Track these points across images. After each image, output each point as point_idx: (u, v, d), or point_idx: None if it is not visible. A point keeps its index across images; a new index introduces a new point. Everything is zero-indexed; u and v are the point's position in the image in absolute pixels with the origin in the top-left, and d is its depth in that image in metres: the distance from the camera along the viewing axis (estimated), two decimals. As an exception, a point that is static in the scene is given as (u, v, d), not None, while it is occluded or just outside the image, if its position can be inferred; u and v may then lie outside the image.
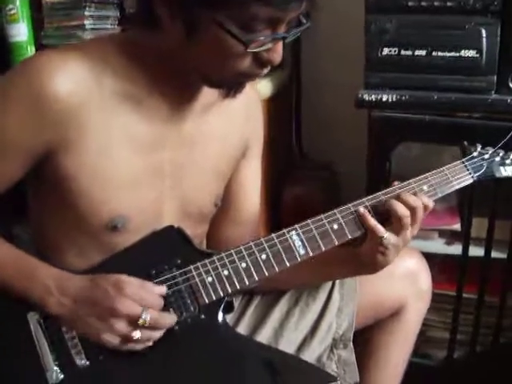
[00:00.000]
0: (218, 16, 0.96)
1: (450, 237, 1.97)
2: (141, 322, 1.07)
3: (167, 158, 1.17)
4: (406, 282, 1.44)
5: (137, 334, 1.08)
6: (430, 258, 1.54)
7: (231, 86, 1.13)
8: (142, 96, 1.11)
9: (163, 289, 1.12)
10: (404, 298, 1.45)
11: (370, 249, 1.22)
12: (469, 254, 1.82)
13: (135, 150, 1.13)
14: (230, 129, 1.27)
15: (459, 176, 1.30)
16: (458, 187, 1.30)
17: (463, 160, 1.32)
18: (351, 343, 1.42)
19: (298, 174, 2.29)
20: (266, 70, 1.07)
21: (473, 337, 1.92)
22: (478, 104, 1.65)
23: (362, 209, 1.20)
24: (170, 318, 1.12)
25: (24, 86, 1.05)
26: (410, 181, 1.25)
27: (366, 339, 1.50)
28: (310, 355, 1.39)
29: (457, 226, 1.94)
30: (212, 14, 0.96)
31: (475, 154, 1.33)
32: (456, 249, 1.90)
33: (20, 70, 1.10)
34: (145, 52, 1.10)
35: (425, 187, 1.25)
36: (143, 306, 1.08)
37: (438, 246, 1.96)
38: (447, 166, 1.29)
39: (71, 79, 1.05)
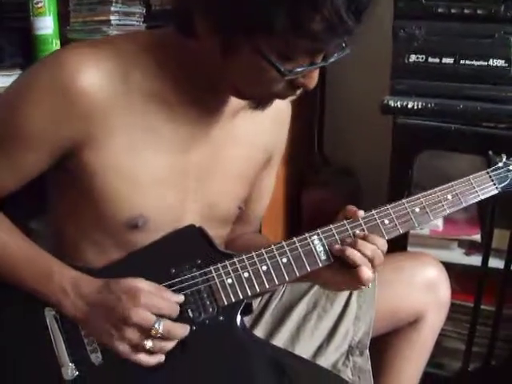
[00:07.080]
0: (259, 43, 0.94)
1: (469, 247, 1.96)
2: (153, 331, 1.06)
3: (193, 160, 1.16)
4: (425, 291, 1.43)
5: (149, 343, 1.07)
6: (448, 267, 1.52)
7: (261, 102, 1.11)
8: (170, 97, 1.10)
9: (181, 297, 1.11)
10: (423, 307, 1.43)
11: None
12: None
13: (161, 150, 1.11)
14: (257, 133, 1.25)
15: (484, 186, 1.29)
16: (482, 197, 1.28)
17: (488, 170, 1.30)
18: (367, 350, 1.40)
19: (319, 178, 2.28)
20: (298, 92, 1.06)
21: (489, 349, 1.90)
22: (505, 114, 1.63)
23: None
24: (182, 329, 1.11)
25: (52, 78, 1.04)
26: (436, 189, 1.24)
27: (382, 347, 1.49)
28: (325, 361, 1.38)
29: (476, 237, 1.94)
30: (253, 41, 0.94)
31: (500, 164, 1.32)
32: (475, 259, 1.90)
33: (49, 62, 1.08)
34: (176, 54, 1.08)
35: (449, 196, 1.24)
36: (159, 314, 1.07)
37: (457, 255, 1.96)
38: (472, 176, 1.28)
39: (100, 75, 1.04)
